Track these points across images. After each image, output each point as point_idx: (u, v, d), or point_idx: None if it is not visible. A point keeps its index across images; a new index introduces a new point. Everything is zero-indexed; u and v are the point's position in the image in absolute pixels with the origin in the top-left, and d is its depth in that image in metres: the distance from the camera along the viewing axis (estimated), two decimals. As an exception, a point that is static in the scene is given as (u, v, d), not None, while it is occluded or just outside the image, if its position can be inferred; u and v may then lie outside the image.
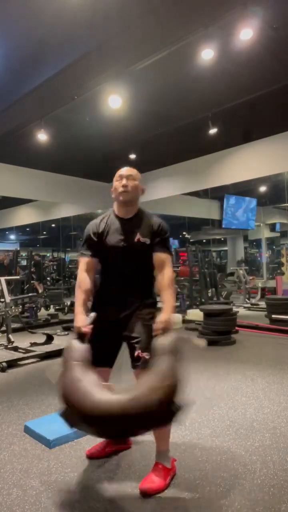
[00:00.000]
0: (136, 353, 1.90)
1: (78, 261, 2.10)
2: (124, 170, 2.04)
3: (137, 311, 1.98)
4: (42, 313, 8.07)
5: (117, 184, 2.02)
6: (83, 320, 1.89)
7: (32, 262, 9.24)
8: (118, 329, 1.99)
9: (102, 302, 2.06)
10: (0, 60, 4.62)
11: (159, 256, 1.97)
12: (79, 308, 1.94)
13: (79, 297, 1.97)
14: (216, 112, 6.18)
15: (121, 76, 4.90)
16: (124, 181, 2.00)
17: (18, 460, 2.19)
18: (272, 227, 14.20)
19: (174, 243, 16.78)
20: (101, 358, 1.98)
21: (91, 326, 1.87)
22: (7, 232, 15.49)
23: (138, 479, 1.92)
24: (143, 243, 1.97)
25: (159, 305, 2.02)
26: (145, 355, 1.86)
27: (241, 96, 5.70)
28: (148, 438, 2.01)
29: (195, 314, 6.53)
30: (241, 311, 7.80)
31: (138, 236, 1.98)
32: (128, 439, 2.29)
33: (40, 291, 8.88)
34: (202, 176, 8.31)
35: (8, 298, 5.04)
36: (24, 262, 10.34)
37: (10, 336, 4.88)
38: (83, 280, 1.99)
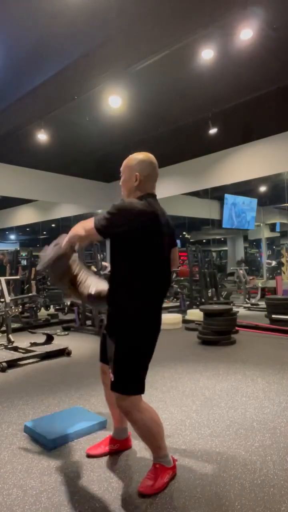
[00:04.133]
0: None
1: None
2: None
3: (113, 324, 1.88)
4: (42, 313, 8.07)
5: None
6: None
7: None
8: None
9: None
10: (1, 60, 4.62)
11: None
12: None
13: None
14: (216, 112, 6.19)
15: (121, 76, 4.91)
16: None
17: (18, 460, 2.19)
18: (272, 227, 14.20)
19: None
20: (103, 354, 2.07)
21: None
22: (7, 232, 15.50)
23: (138, 479, 1.92)
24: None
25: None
26: (111, 377, 1.84)
27: (241, 96, 5.71)
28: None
29: (195, 314, 6.53)
30: (241, 311, 7.81)
31: None
32: (129, 440, 2.29)
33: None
34: (202, 176, 8.32)
35: (8, 298, 5.03)
36: (24, 262, 10.31)
37: (10, 336, 4.88)
38: None
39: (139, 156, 1.96)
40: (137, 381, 1.82)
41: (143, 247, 1.79)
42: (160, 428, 1.90)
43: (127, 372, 1.80)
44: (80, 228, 1.81)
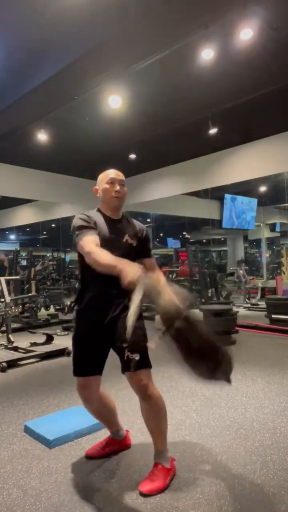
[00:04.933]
0: (125, 356, 1.87)
1: (82, 244, 1.83)
2: (115, 174, 2.05)
3: (123, 313, 1.88)
4: (42, 313, 8.07)
5: (109, 187, 2.02)
6: (135, 268, 1.61)
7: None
8: (104, 333, 1.94)
9: (88, 304, 1.98)
10: (0, 60, 4.62)
11: (149, 262, 2.05)
12: (116, 260, 1.66)
13: (106, 253, 1.74)
14: (216, 112, 6.18)
15: (121, 76, 4.90)
16: (117, 187, 2.02)
17: (18, 460, 2.19)
18: (272, 227, 14.19)
19: (175, 243, 16.83)
20: (89, 366, 1.99)
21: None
22: (7, 232, 15.49)
23: (138, 479, 1.92)
24: (130, 244, 2.00)
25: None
26: (135, 356, 1.86)
27: (241, 96, 5.70)
28: (147, 438, 2.01)
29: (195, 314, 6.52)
30: (241, 311, 7.80)
31: (126, 237, 2.00)
32: (128, 439, 2.29)
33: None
34: (202, 176, 8.31)
35: (8, 298, 5.04)
36: (24, 262, 10.33)
37: (10, 336, 4.88)
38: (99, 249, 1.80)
39: None
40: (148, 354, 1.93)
41: None
42: (166, 412, 1.97)
43: (145, 347, 1.90)
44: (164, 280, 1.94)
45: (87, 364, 2.00)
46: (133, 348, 1.87)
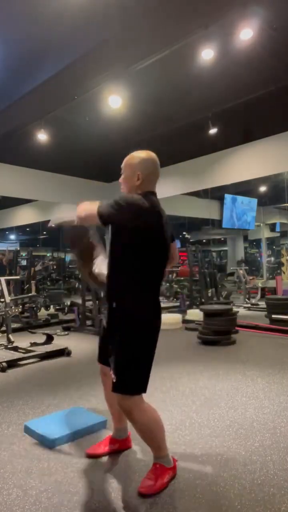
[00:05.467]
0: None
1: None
2: None
3: (113, 321, 1.87)
4: (42, 313, 8.06)
5: None
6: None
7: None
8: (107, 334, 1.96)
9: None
10: (1, 60, 4.63)
11: None
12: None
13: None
14: (216, 112, 6.18)
15: (121, 76, 4.90)
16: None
17: (18, 460, 2.19)
18: (272, 227, 14.18)
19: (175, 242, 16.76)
20: (102, 355, 2.07)
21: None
22: (7, 232, 15.48)
23: (138, 479, 1.92)
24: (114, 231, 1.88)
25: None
26: (113, 378, 1.81)
27: (241, 96, 5.70)
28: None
29: (195, 314, 6.53)
30: (241, 311, 7.80)
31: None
32: (129, 440, 2.29)
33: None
34: (202, 176, 8.31)
35: (8, 298, 5.03)
36: (24, 262, 10.31)
37: (10, 336, 4.88)
38: None
39: (141, 154, 1.94)
40: (139, 381, 1.81)
41: (147, 242, 1.81)
42: (161, 428, 1.89)
43: (129, 372, 1.79)
44: (82, 210, 1.80)
45: (102, 353, 2.06)
46: (114, 367, 1.82)
